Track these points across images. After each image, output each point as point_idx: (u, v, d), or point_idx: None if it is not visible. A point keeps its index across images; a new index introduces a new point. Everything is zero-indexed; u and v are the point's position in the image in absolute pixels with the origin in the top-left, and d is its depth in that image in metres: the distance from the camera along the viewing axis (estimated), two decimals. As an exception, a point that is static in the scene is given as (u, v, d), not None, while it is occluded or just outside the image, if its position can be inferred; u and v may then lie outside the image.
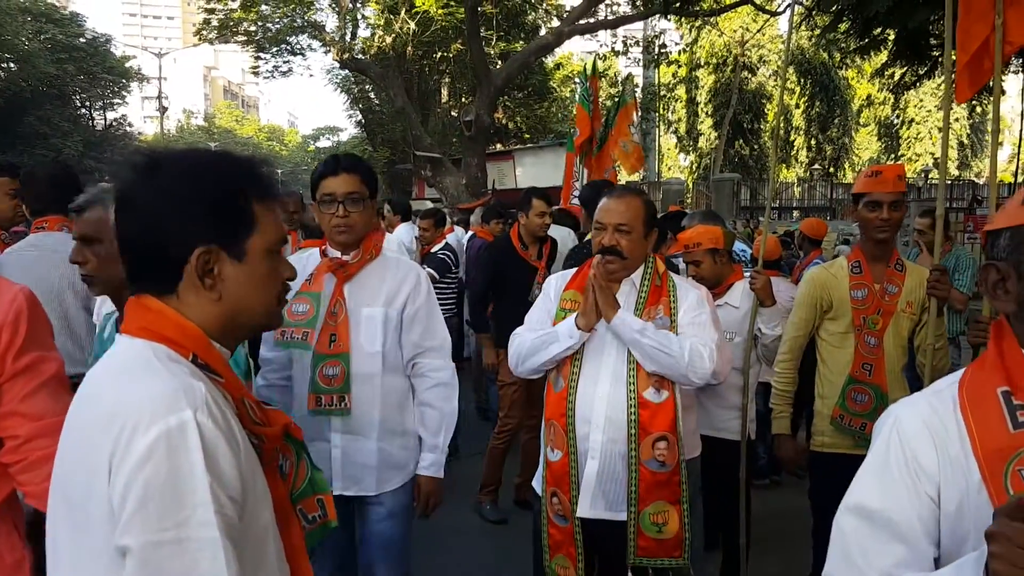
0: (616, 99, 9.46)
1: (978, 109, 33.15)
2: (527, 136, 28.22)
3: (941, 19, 7.05)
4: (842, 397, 3.20)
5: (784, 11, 16.66)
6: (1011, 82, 10.19)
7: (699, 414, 3.46)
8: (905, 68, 8.52)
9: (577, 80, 29.16)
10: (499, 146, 26.41)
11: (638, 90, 27.01)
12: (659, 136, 36.72)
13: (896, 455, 1.28)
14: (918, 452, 1.26)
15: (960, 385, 1.29)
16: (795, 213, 26.95)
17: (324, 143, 52.50)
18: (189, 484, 1.11)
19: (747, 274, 3.71)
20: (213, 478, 1.12)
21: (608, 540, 2.71)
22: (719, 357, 3.40)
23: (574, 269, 2.96)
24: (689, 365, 2.62)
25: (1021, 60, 7.69)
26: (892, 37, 7.77)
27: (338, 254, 2.76)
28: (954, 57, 3.12)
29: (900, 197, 3.16)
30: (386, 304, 2.76)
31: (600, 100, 8.96)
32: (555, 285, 2.92)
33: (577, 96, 9.85)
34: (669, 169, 43.72)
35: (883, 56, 8.87)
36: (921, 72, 8.41)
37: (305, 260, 2.82)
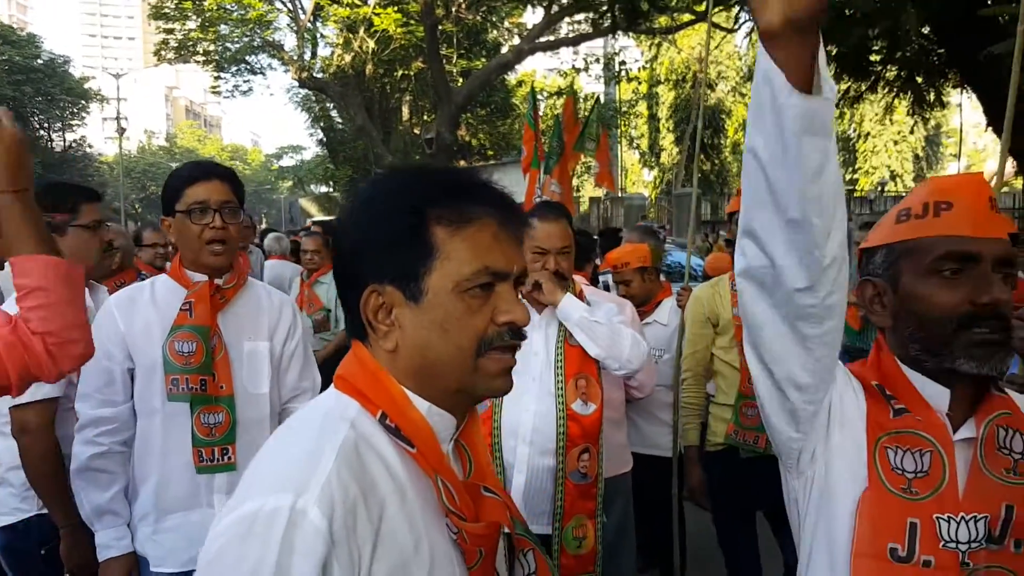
0: (590, 116, 9.54)
1: (932, 123, 33.83)
2: (490, 153, 28.31)
3: (878, 36, 7.21)
4: (735, 413, 3.23)
5: (738, 28, 16.90)
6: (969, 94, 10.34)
7: (630, 431, 3.49)
8: (849, 84, 8.68)
9: (541, 99, 29.44)
10: (462, 163, 26.47)
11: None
12: (621, 152, 37.03)
13: (839, 368, 1.41)
14: (846, 387, 1.41)
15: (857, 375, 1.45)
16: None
17: (287, 161, 52.18)
18: None
19: (676, 291, 3.75)
20: None
21: None
22: (645, 368, 3.44)
23: None
24: (632, 347, 2.70)
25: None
26: (835, 53, 7.91)
27: (202, 278, 2.27)
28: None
29: None
30: (269, 337, 2.38)
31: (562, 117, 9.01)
32: None
33: (526, 116, 9.93)
34: (633, 184, 44.08)
35: (829, 72, 9.01)
36: (864, 87, 8.57)
37: (151, 289, 2.33)
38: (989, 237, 1.31)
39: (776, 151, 1.17)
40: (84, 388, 2.26)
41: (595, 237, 7.82)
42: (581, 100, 23.12)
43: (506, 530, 1.14)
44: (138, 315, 2.25)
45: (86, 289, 2.69)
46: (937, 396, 1.35)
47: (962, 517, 1.27)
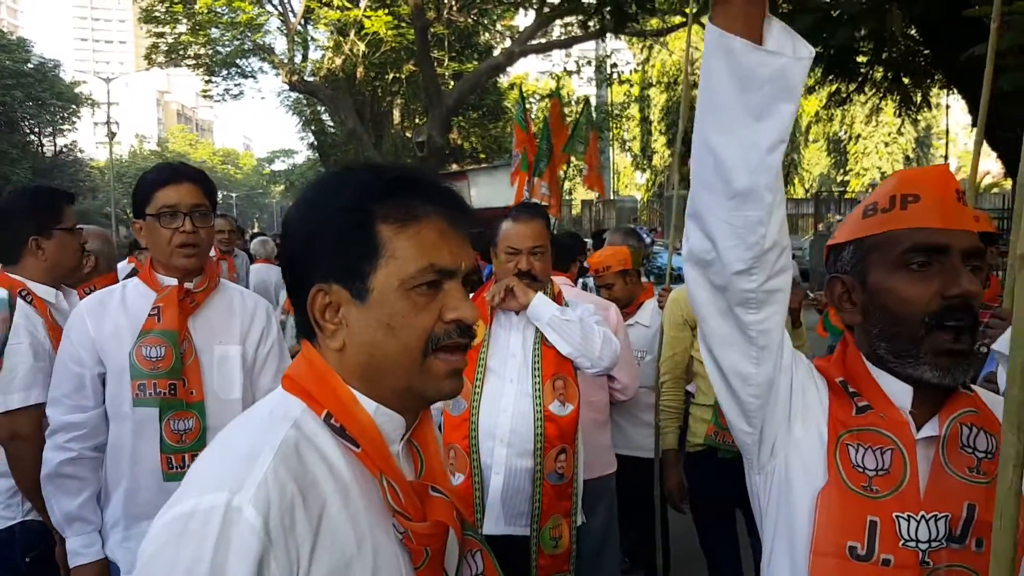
0: (579, 119, 9.58)
1: (922, 124, 33.99)
2: (482, 156, 28.26)
3: (865, 38, 7.23)
4: (714, 415, 3.22)
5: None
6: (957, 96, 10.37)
7: (613, 433, 3.49)
8: (835, 85, 8.71)
9: (533, 101, 29.44)
10: (454, 166, 26.43)
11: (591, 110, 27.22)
12: (613, 155, 37.08)
13: (801, 362, 1.42)
14: (808, 381, 1.40)
15: (822, 371, 1.44)
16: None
17: (279, 166, 52.10)
18: None
19: (658, 292, 3.75)
20: None
21: (509, 556, 2.69)
22: (628, 371, 3.45)
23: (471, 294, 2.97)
24: (603, 346, 2.70)
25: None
26: (822, 55, 7.92)
27: (172, 281, 2.25)
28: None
29: None
30: (241, 341, 2.34)
31: (552, 118, 9.01)
32: None
33: (516, 118, 9.94)
34: (626, 187, 44.18)
35: (816, 73, 9.03)
36: (851, 88, 8.59)
37: (122, 293, 2.30)
38: (957, 229, 1.29)
39: (735, 124, 1.18)
40: (54, 393, 2.24)
41: (586, 240, 7.83)
42: (572, 103, 23.15)
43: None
44: (108, 319, 2.22)
45: (59, 293, 2.69)
46: (900, 394, 1.34)
47: (922, 516, 1.26)
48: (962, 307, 1.28)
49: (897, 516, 1.26)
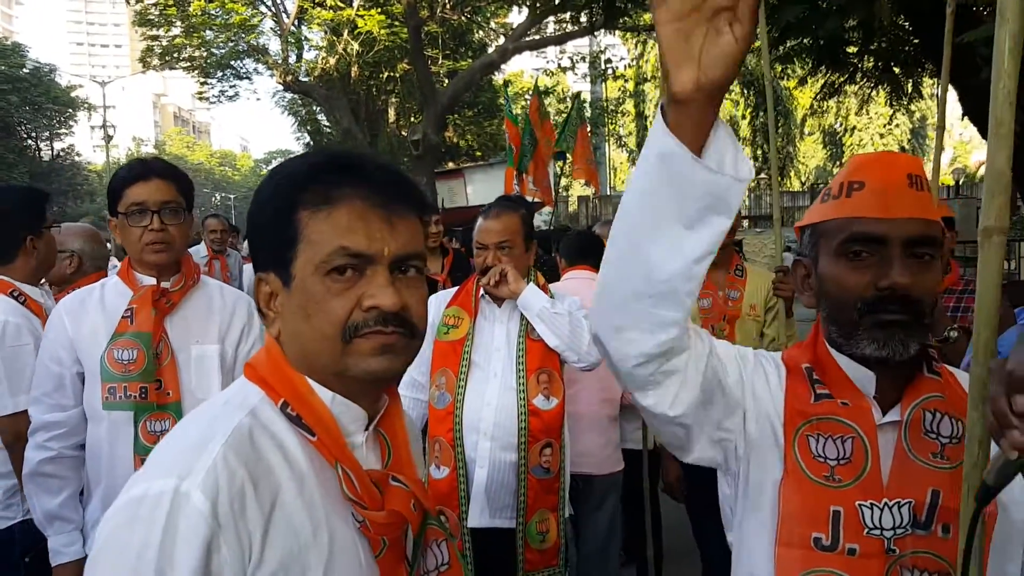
0: (569, 115, 9.61)
1: (917, 114, 33.95)
2: (478, 153, 28.23)
3: (855, 28, 7.21)
4: None
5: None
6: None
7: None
8: (825, 76, 8.68)
9: (528, 98, 29.40)
10: (450, 164, 26.41)
11: (586, 105, 27.19)
12: (609, 150, 37.06)
13: (747, 360, 1.41)
14: (756, 375, 1.40)
15: (785, 357, 1.44)
16: (745, 223, 27.32)
17: (277, 167, 52.18)
18: (129, 566, 0.93)
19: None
20: (168, 569, 0.92)
21: (496, 549, 2.71)
22: None
23: (455, 289, 2.98)
24: (591, 341, 2.67)
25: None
26: (810, 45, 7.90)
27: (151, 280, 2.24)
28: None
29: None
30: (220, 340, 2.30)
31: (535, 115, 9.03)
32: (436, 303, 2.91)
33: (505, 112, 9.98)
34: (623, 183, 44.15)
35: (807, 64, 9.01)
36: (842, 79, 8.57)
37: (100, 292, 2.29)
38: (898, 218, 1.27)
39: (665, 224, 1.08)
40: (35, 392, 2.24)
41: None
42: (568, 99, 23.11)
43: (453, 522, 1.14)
44: (86, 318, 2.22)
45: (41, 291, 2.70)
46: (863, 380, 1.33)
47: (885, 503, 1.25)
48: (895, 299, 1.27)
49: (860, 505, 1.25)
